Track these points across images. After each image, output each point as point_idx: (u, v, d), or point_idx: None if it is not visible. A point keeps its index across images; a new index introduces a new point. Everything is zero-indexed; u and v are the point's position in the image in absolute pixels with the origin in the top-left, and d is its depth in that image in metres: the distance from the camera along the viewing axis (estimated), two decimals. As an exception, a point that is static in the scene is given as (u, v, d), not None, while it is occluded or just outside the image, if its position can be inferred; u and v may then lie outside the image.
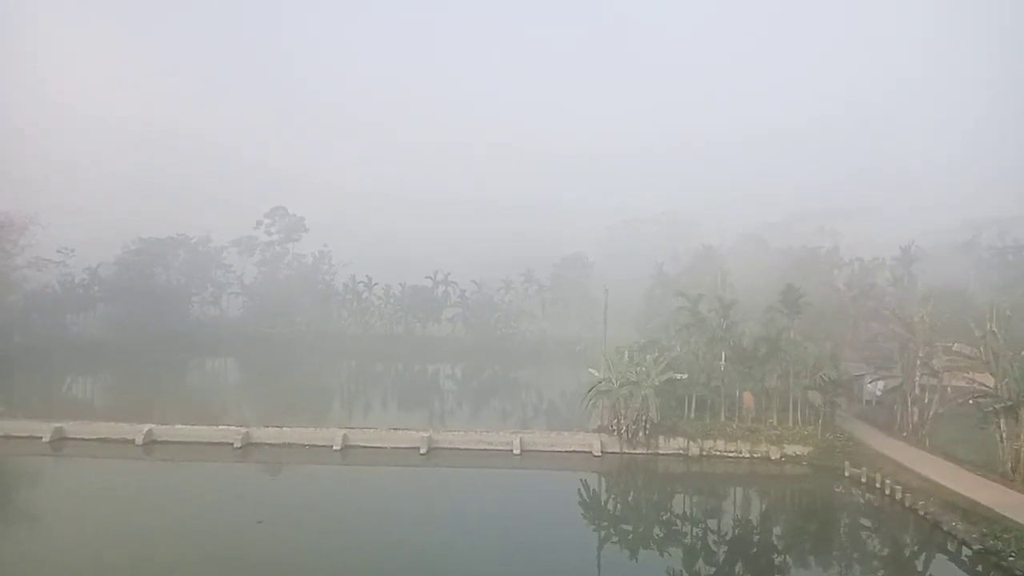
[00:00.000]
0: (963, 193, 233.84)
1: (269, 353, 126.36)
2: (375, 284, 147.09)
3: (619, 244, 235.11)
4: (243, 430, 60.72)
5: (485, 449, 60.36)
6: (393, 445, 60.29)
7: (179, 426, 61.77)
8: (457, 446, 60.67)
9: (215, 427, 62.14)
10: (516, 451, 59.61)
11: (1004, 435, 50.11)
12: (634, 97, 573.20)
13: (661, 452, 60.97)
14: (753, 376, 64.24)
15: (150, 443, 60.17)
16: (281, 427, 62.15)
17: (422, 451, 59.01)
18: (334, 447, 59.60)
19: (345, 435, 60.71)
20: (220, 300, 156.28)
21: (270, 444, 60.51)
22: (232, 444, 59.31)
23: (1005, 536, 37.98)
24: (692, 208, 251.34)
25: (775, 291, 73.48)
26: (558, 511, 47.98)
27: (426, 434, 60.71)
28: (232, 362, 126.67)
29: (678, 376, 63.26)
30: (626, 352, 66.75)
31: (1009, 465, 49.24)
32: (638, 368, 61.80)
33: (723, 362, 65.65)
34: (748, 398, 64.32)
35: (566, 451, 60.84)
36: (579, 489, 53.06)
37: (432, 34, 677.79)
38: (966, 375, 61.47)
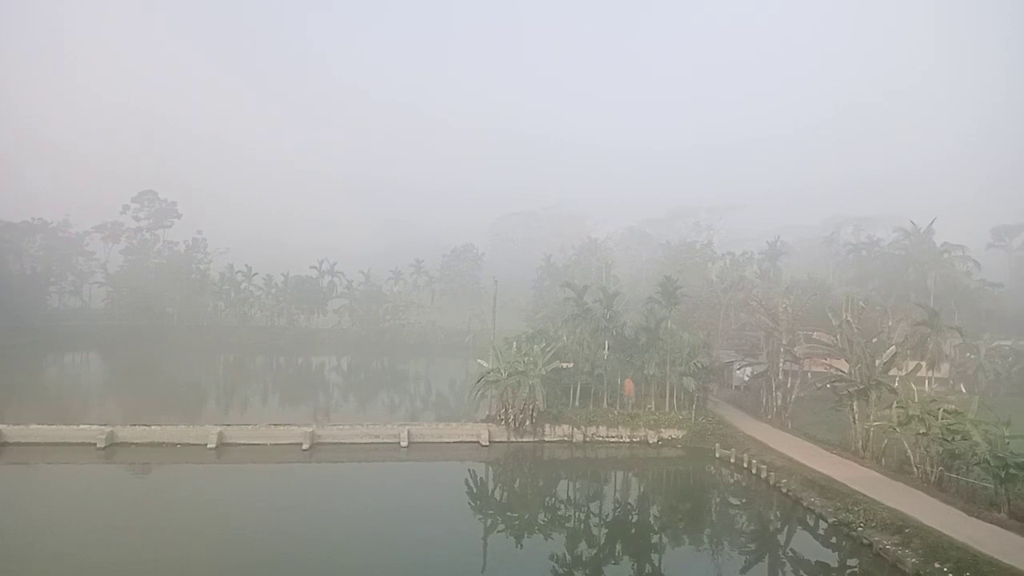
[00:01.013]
0: (824, 193, 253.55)
1: (137, 347, 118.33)
2: (255, 274, 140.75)
3: (508, 235, 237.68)
4: (107, 429, 56.36)
5: (371, 443, 59.31)
6: (273, 442, 57.97)
7: (34, 426, 56.51)
8: (342, 440, 59.22)
9: (75, 427, 57.21)
10: (403, 443, 59.03)
11: (856, 416, 54.78)
12: (533, 93, 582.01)
13: (547, 439, 62.35)
14: (634, 364, 66.89)
15: (0, 445, 54.79)
16: (149, 425, 58.20)
17: (304, 447, 57.17)
18: (208, 445, 56.55)
19: (221, 433, 57.73)
20: (82, 290, 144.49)
21: (137, 444, 56.54)
22: (95, 444, 54.96)
23: (855, 509, 41.49)
24: (580, 202, 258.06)
25: (655, 283, 76.91)
26: (445, 501, 47.97)
27: (309, 429, 58.85)
28: (96, 357, 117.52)
29: (564, 365, 64.88)
30: (514, 342, 67.64)
31: (860, 443, 53.90)
32: (526, 358, 62.77)
33: (606, 351, 67.95)
34: (629, 385, 66.92)
35: (454, 442, 60.89)
36: (466, 479, 53.30)
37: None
38: (824, 361, 66.83)
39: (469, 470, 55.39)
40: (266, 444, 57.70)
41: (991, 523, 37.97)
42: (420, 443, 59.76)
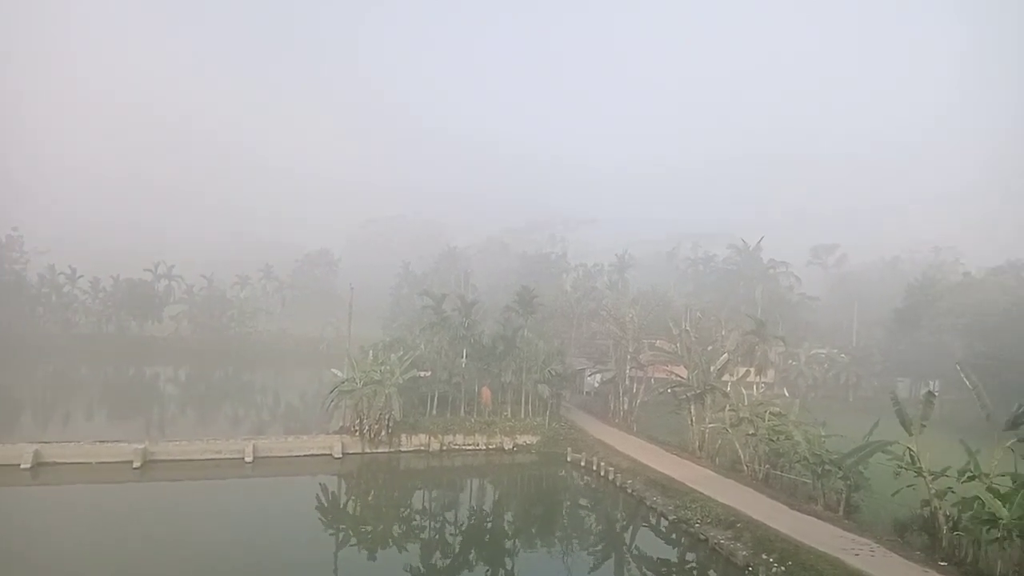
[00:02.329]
0: (668, 209, 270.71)
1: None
2: (80, 276, 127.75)
3: (367, 242, 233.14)
4: None
5: (212, 459, 55.30)
6: (99, 460, 52.46)
7: None
8: (178, 457, 54.78)
9: None
10: (248, 459, 55.60)
11: (693, 419, 58.69)
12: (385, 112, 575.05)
13: (403, 449, 61.32)
14: (491, 372, 67.60)
15: None
16: (-55, 446, 50.87)
17: (135, 465, 52.26)
18: (22, 465, 50.16)
19: (37, 451, 51.41)
20: None
21: (-71, 467, 49.19)
22: None
23: (692, 506, 44.24)
24: (440, 210, 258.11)
25: (513, 292, 78.32)
26: (294, 518, 45.63)
27: (140, 446, 53.87)
28: None
29: (422, 374, 64.30)
30: (371, 351, 66.09)
31: (697, 444, 57.76)
32: (382, 367, 61.45)
33: (464, 359, 68.15)
34: (486, 393, 67.48)
35: (305, 455, 58.22)
36: (317, 494, 51.09)
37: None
38: (666, 368, 71.16)
39: (320, 484, 53.17)
40: (91, 463, 52.15)
41: (810, 515, 41.87)
42: (267, 458, 56.56)
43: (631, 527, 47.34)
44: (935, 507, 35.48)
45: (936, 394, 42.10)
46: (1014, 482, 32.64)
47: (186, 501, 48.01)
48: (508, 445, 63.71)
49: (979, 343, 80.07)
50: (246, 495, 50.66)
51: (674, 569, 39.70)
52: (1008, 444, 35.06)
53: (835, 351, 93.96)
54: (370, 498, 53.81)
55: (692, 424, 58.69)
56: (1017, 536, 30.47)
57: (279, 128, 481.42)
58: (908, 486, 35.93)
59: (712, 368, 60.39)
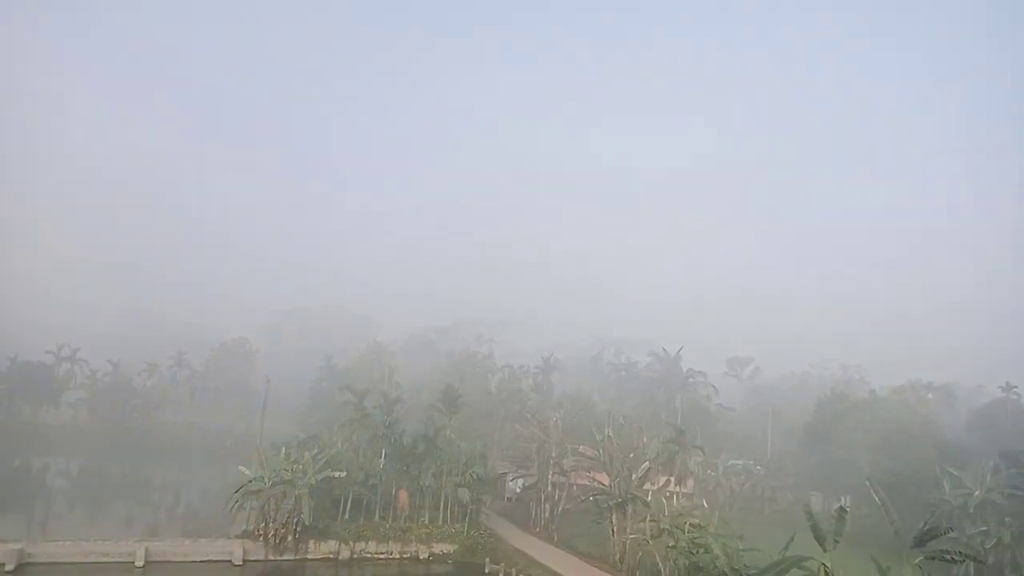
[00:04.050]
0: (595, 316, 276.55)
1: None
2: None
3: (287, 334, 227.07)
4: None
5: (99, 562, 50.42)
6: (-37, 563, 47.06)
7: None
8: (59, 559, 49.68)
9: None
10: (139, 563, 50.93)
11: (615, 528, 57.81)
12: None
13: (310, 557, 57.54)
14: (410, 474, 65.25)
15: None
16: None
17: (8, 567, 47.02)
18: None
19: None
20: None
21: None
22: None
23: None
24: (364, 304, 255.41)
25: (437, 390, 77.09)
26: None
27: (16, 547, 48.67)
28: None
29: (336, 474, 61.23)
30: (283, 448, 62.93)
31: (618, 556, 56.67)
32: (294, 466, 58.45)
33: (383, 459, 65.73)
34: (403, 496, 64.84)
35: (202, 561, 53.80)
36: (211, 606, 46.99)
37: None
38: (588, 474, 70.54)
39: (216, 595, 49.03)
40: (-49, 567, 46.62)
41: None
42: (160, 562, 51.98)
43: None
44: (850, 627, 35.52)
45: (848, 509, 43.09)
46: (923, 601, 33.25)
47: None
48: (423, 554, 60.73)
49: (885, 459, 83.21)
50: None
51: None
52: (916, 561, 35.90)
53: (751, 463, 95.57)
54: (270, 613, 49.83)
55: (613, 534, 57.75)
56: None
57: (204, 200, 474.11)
58: (823, 604, 35.96)
59: (634, 476, 60.29)
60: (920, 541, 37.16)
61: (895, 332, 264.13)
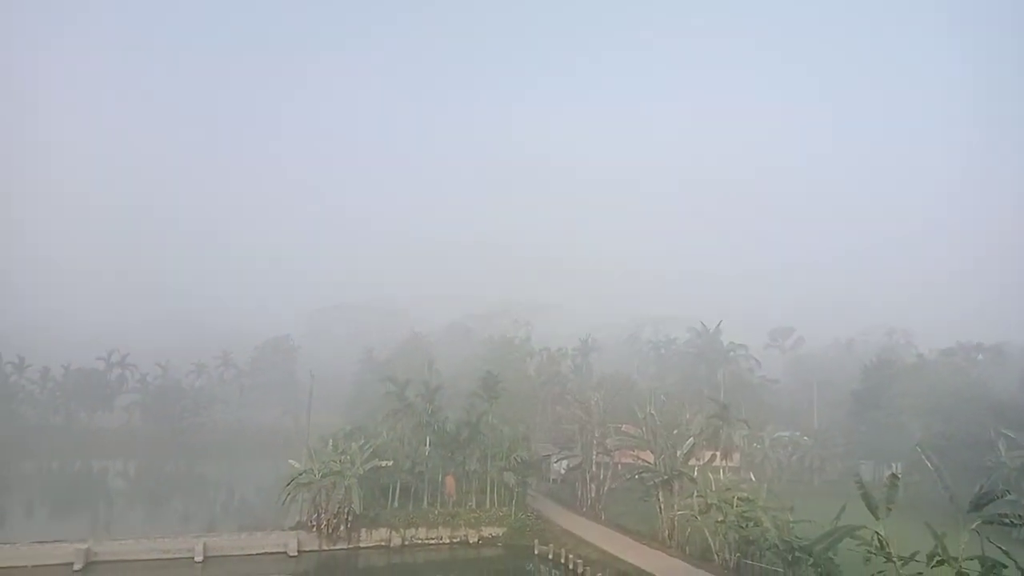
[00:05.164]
0: (631, 295, 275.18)
1: None
2: (28, 366, 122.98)
3: (328, 328, 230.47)
4: None
5: (160, 559, 52.14)
6: (37, 563, 49.09)
7: None
8: (124, 557, 51.51)
9: None
10: (198, 558, 52.52)
11: (662, 506, 57.65)
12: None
13: (363, 545, 58.66)
14: (455, 460, 65.94)
15: None
16: None
17: (76, 567, 49.00)
18: (-53, 574, 46.73)
19: (-35, 556, 48.02)
20: None
21: None
22: None
23: (663, 598, 42.96)
24: (402, 297, 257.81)
25: (477, 378, 77.55)
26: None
27: (83, 546, 50.64)
28: None
29: (383, 463, 62.26)
30: (331, 440, 64.09)
31: (666, 533, 56.51)
32: (342, 457, 59.52)
33: (428, 447, 66.53)
34: (450, 482, 65.62)
35: (258, 553, 55.25)
36: (270, 596, 48.31)
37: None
38: (632, 453, 70.39)
39: (275, 585, 50.39)
40: (27, 567, 48.72)
41: (782, 604, 40.94)
42: (218, 557, 53.51)
43: (602, 624, 45.52)
44: (907, 594, 35.01)
45: (899, 476, 42.36)
46: (983, 565, 32.58)
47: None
48: (473, 538, 61.48)
49: (936, 424, 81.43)
50: (194, 599, 47.67)
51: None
52: (973, 526, 35.15)
53: (798, 434, 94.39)
54: (327, 601, 51.04)
55: (661, 511, 57.61)
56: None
57: (234, 211, 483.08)
58: (879, 572, 35.51)
59: (678, 453, 59.95)
60: (977, 505, 36.35)
61: (942, 294, 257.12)
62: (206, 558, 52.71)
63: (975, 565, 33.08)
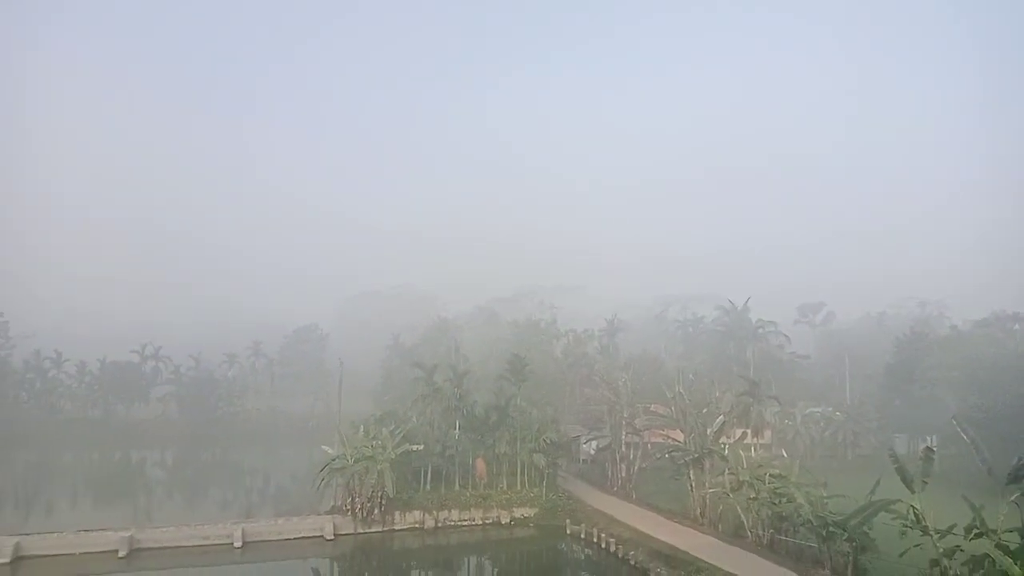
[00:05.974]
0: (657, 273, 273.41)
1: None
2: (66, 361, 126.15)
3: (356, 316, 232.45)
4: None
5: (200, 545, 53.46)
6: (84, 550, 50.62)
7: None
8: (166, 544, 52.90)
9: None
10: (237, 544, 53.75)
11: (693, 484, 57.59)
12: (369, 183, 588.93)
13: (397, 528, 59.54)
14: (485, 443, 66.45)
15: None
16: (-80, 542, 48.89)
17: (121, 554, 50.44)
18: (2, 560, 48.31)
19: (18, 544, 49.59)
20: None
21: (-98, 565, 47.14)
22: None
23: None
24: (427, 283, 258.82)
25: (504, 361, 77.85)
26: (285, 606, 43.90)
27: (127, 533, 52.09)
28: None
29: (414, 447, 62.95)
30: (362, 426, 64.93)
31: (698, 511, 56.49)
32: (374, 442, 60.28)
33: (457, 431, 67.11)
34: (480, 465, 66.17)
35: (296, 538, 56.35)
36: (309, 579, 49.33)
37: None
38: (662, 432, 70.27)
39: (313, 569, 51.54)
40: (75, 554, 50.31)
41: (817, 579, 40.80)
42: (257, 542, 54.71)
43: (635, 601, 45.79)
44: (945, 567, 34.66)
45: (935, 449, 41.82)
46: (1023, 538, 32.07)
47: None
48: (505, 519, 62.05)
49: (972, 396, 79.95)
50: (236, 583, 48.85)
51: (683, 644, 38.24)
52: (1012, 499, 34.58)
53: (830, 409, 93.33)
54: (364, 582, 52.00)
55: (692, 490, 57.55)
56: (1031, 594, 29.73)
57: (263, 212, 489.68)
58: (915, 546, 35.20)
59: (708, 431, 59.73)
60: (1016, 477, 35.73)
61: (976, 265, 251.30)
62: (245, 543, 53.92)
63: (1014, 537, 32.59)
